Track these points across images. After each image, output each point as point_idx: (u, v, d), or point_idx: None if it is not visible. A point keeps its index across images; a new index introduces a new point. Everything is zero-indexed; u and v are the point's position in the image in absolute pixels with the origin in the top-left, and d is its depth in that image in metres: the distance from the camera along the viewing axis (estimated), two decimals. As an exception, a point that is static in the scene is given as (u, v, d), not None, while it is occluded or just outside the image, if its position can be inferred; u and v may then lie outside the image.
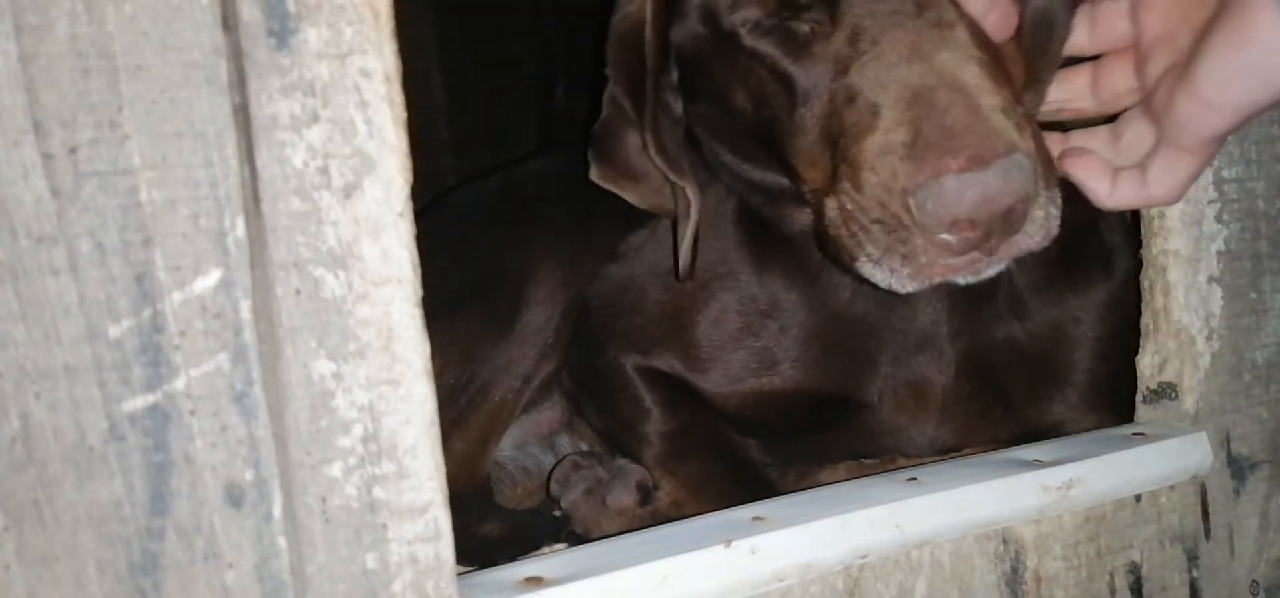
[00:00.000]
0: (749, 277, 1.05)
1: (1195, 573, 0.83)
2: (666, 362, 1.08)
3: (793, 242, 1.01)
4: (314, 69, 0.52)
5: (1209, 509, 0.84)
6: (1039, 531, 0.76)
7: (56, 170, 0.48)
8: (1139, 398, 0.87)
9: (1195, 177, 0.76)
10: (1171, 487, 0.82)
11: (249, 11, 0.50)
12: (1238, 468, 0.85)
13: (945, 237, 0.72)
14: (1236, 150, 0.84)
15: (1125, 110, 0.81)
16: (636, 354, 1.08)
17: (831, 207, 0.81)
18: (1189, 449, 0.82)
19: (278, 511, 0.52)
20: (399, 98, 0.54)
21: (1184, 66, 0.71)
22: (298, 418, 0.53)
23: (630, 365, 1.09)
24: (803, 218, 0.98)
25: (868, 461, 1.05)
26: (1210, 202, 0.83)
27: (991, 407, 1.02)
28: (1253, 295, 0.86)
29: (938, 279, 0.76)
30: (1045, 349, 1.02)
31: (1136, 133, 0.79)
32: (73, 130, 0.48)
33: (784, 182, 0.94)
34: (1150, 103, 0.77)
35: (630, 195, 1.00)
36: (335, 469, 0.54)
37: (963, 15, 0.79)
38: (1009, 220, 0.72)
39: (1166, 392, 0.85)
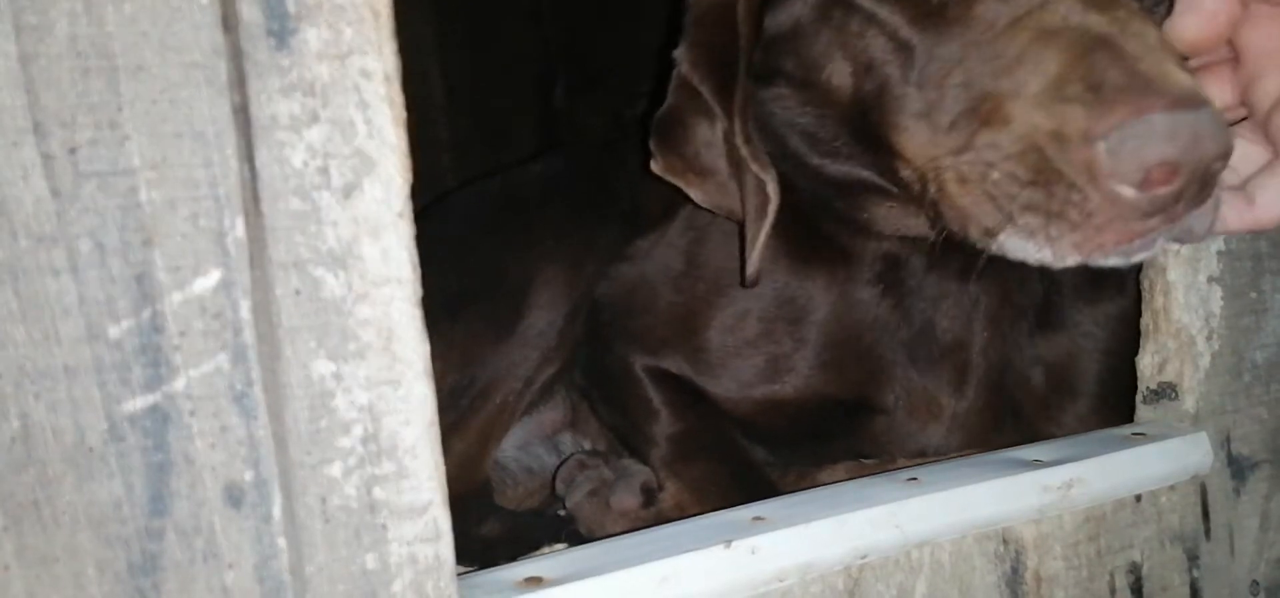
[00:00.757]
0: (778, 281, 1.02)
1: (1195, 573, 0.83)
2: (675, 363, 1.07)
3: (831, 243, 0.98)
4: (314, 69, 0.51)
5: (1209, 509, 0.84)
6: (1039, 531, 0.76)
7: (56, 171, 0.48)
8: (1139, 398, 0.87)
9: None
10: (1172, 487, 0.82)
11: (249, 12, 0.50)
12: (1238, 468, 0.85)
13: (1130, 194, 0.64)
14: (1237, 150, 0.84)
15: None
16: (645, 354, 1.08)
17: (957, 173, 0.72)
18: (1189, 449, 0.82)
19: (277, 511, 0.52)
20: (399, 98, 0.54)
21: None
22: (297, 418, 0.53)
23: (639, 365, 1.08)
24: (880, 214, 0.92)
25: (867, 461, 1.05)
26: (1210, 201, 0.83)
27: (1003, 417, 1.02)
28: (1253, 295, 0.85)
29: (1108, 251, 0.67)
30: (1060, 360, 1.01)
31: (1242, 153, 0.73)
32: (72, 131, 0.48)
33: (868, 174, 0.87)
34: (1268, 124, 0.72)
35: (695, 191, 0.93)
36: (335, 469, 0.54)
37: None
38: (1207, 181, 0.65)
39: (1166, 392, 0.85)
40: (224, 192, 0.50)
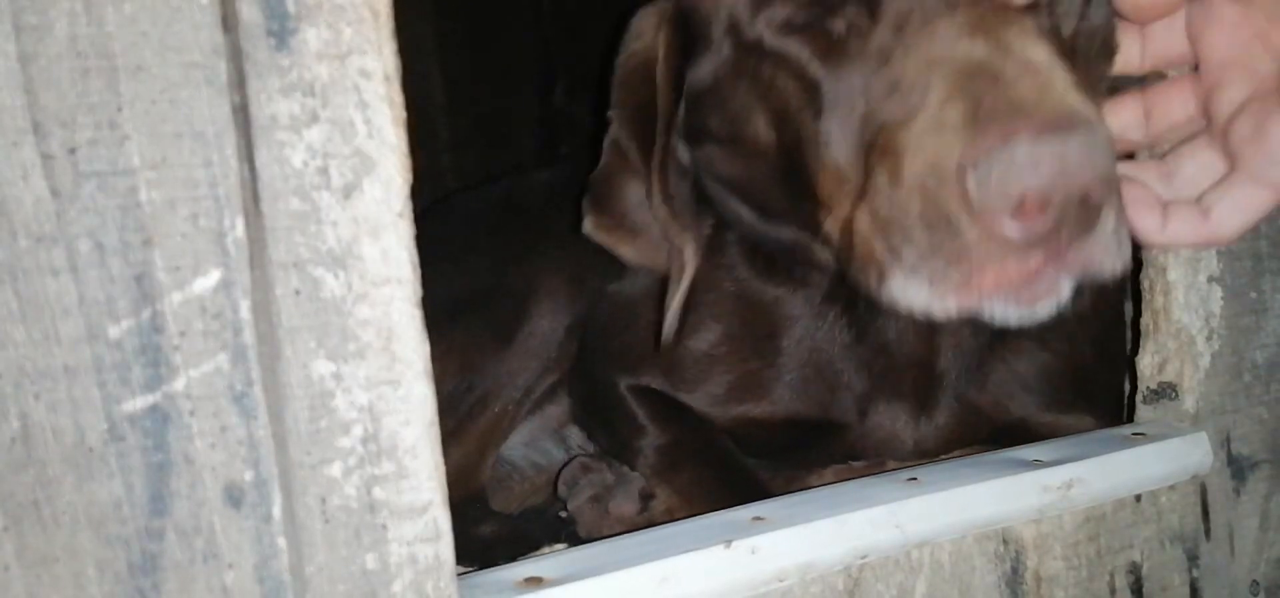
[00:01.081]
0: (746, 306, 1.02)
1: (1195, 573, 0.83)
2: (656, 379, 1.08)
3: (796, 277, 0.98)
4: (313, 69, 0.51)
5: (1209, 509, 0.84)
6: (1039, 531, 0.76)
7: (56, 171, 0.48)
8: (1139, 398, 0.87)
9: (1269, 212, 0.69)
10: (1172, 487, 0.82)
11: (249, 12, 0.50)
12: (1238, 468, 0.85)
13: (1008, 229, 0.60)
14: (1236, 150, 0.84)
15: (1179, 143, 0.74)
16: (628, 373, 1.09)
17: (861, 220, 0.70)
18: (1189, 449, 0.82)
19: (277, 511, 0.52)
20: (398, 98, 0.54)
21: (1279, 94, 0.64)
22: (297, 418, 0.53)
23: (623, 384, 1.09)
24: (821, 262, 0.90)
25: (856, 464, 1.05)
26: (1210, 201, 0.83)
27: (965, 415, 1.02)
28: (1253, 295, 0.85)
29: (991, 297, 0.63)
30: (1029, 370, 1.01)
31: (1200, 165, 0.71)
32: (72, 131, 0.48)
33: (800, 235, 0.86)
34: (1227, 134, 0.69)
35: (626, 251, 0.94)
36: (335, 470, 0.54)
37: (1025, 12, 0.69)
38: (1085, 210, 0.61)
39: (1166, 392, 0.85)
40: (224, 192, 0.50)
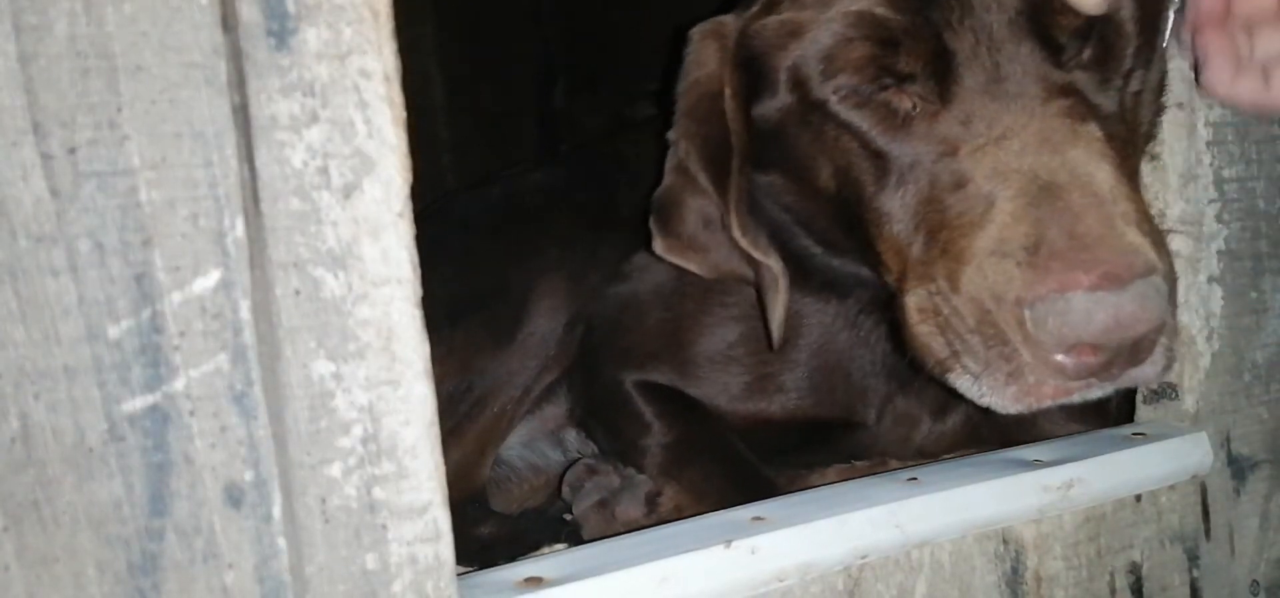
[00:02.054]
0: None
1: (1195, 573, 0.83)
2: (664, 375, 1.08)
3: (823, 275, 0.98)
4: (313, 69, 0.51)
5: (1209, 509, 0.84)
6: (1039, 531, 0.76)
7: (56, 171, 0.48)
8: (1139, 398, 0.87)
9: None
10: (1172, 487, 0.82)
11: (248, 11, 0.50)
12: (1238, 468, 0.85)
13: (1061, 359, 0.64)
14: (1237, 150, 0.84)
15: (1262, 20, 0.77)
16: (634, 370, 1.08)
17: (917, 302, 0.73)
18: (1189, 449, 0.82)
19: (277, 511, 0.52)
20: (398, 98, 0.54)
21: None
22: (297, 418, 0.53)
23: (629, 381, 1.08)
24: (864, 284, 0.92)
25: (859, 464, 1.05)
26: (1210, 202, 0.83)
27: (976, 419, 1.02)
28: (1253, 295, 0.85)
29: (1046, 402, 0.68)
30: None
31: (1271, 41, 0.74)
32: (72, 131, 0.48)
33: (863, 271, 0.88)
34: None
35: (696, 266, 0.95)
36: (335, 470, 0.53)
37: (1094, 108, 0.72)
38: (1137, 350, 0.64)
39: (1167, 392, 0.85)
40: (224, 192, 0.50)
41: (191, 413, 0.51)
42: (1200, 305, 0.83)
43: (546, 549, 0.96)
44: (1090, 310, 0.62)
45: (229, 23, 0.50)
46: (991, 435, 1.00)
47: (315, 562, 0.53)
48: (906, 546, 0.71)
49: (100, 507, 0.49)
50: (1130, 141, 0.76)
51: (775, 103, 0.84)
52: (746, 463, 1.04)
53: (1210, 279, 0.84)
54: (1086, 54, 0.74)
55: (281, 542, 0.53)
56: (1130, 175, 0.70)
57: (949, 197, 0.71)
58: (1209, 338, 0.84)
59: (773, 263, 0.87)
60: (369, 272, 0.54)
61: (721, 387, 1.05)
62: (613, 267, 1.11)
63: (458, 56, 2.20)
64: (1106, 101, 0.75)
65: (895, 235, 0.77)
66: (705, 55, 0.89)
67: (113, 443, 0.49)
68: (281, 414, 0.52)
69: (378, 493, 0.55)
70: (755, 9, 0.85)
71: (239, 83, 0.50)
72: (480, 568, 0.66)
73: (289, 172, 0.51)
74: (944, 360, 0.71)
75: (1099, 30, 0.75)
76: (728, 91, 0.86)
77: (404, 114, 0.54)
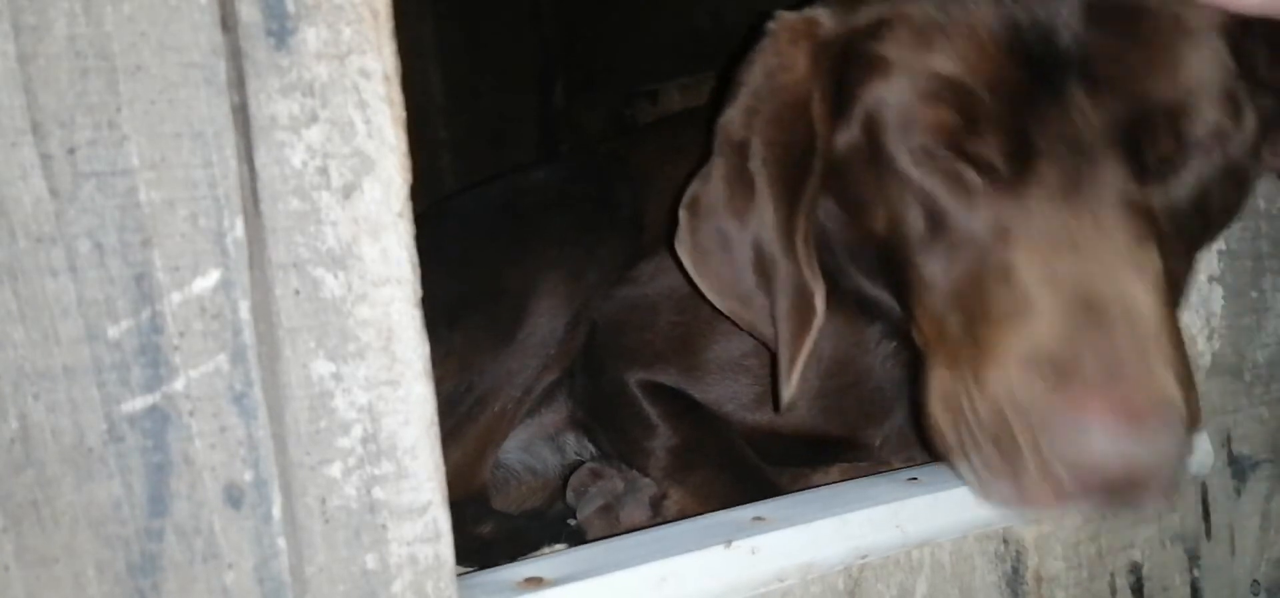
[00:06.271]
0: None
1: (1196, 573, 0.83)
2: (670, 376, 1.07)
3: (846, 298, 0.95)
4: (313, 69, 0.51)
5: (1210, 509, 0.84)
6: (1040, 531, 0.76)
7: (55, 171, 0.48)
8: (1139, 398, 0.87)
9: None
10: (1172, 486, 0.82)
11: (248, 11, 0.50)
12: (1239, 468, 0.85)
13: (1069, 481, 0.64)
14: (1237, 150, 0.84)
15: None
16: (639, 369, 1.08)
17: (940, 387, 0.73)
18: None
19: (277, 511, 0.52)
20: (398, 98, 0.54)
21: None
22: (297, 419, 0.52)
23: (633, 381, 1.08)
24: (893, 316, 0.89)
25: (861, 463, 1.05)
26: (1211, 201, 0.83)
27: None
28: (1253, 295, 0.85)
29: (1049, 510, 0.68)
30: None
31: None
32: (71, 131, 0.48)
33: (896, 307, 0.85)
34: None
35: (709, 277, 0.89)
36: (335, 470, 0.53)
37: (1161, 232, 0.69)
38: (1145, 488, 0.64)
39: (1167, 391, 0.85)
40: (223, 192, 0.50)
41: (191, 413, 0.51)
42: (1200, 305, 0.83)
43: (546, 549, 0.96)
44: (1106, 450, 0.61)
45: (228, 22, 0.50)
46: None
47: (315, 562, 0.53)
48: (907, 546, 0.71)
49: (100, 507, 0.49)
50: (1187, 259, 0.74)
51: (846, 133, 0.81)
52: (752, 467, 1.04)
53: (1210, 279, 0.84)
54: (1172, 181, 0.72)
55: (281, 542, 0.53)
56: (1172, 305, 0.69)
57: (994, 285, 0.70)
58: (1209, 338, 0.84)
59: (818, 292, 0.82)
60: (369, 272, 0.54)
61: (730, 394, 1.04)
62: (616, 268, 1.11)
63: (458, 56, 2.20)
64: (1175, 224, 0.72)
65: (934, 304, 0.75)
66: (794, 58, 0.83)
67: (112, 443, 0.49)
68: (281, 414, 0.52)
69: (378, 493, 0.55)
70: (857, 21, 0.80)
71: (238, 83, 0.50)
72: (480, 568, 0.66)
73: (289, 171, 0.51)
74: (953, 449, 0.71)
75: (1194, 161, 0.72)
76: (818, 106, 0.80)
77: (404, 114, 0.54)
